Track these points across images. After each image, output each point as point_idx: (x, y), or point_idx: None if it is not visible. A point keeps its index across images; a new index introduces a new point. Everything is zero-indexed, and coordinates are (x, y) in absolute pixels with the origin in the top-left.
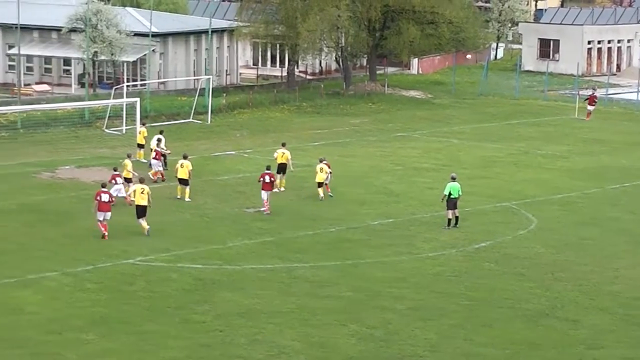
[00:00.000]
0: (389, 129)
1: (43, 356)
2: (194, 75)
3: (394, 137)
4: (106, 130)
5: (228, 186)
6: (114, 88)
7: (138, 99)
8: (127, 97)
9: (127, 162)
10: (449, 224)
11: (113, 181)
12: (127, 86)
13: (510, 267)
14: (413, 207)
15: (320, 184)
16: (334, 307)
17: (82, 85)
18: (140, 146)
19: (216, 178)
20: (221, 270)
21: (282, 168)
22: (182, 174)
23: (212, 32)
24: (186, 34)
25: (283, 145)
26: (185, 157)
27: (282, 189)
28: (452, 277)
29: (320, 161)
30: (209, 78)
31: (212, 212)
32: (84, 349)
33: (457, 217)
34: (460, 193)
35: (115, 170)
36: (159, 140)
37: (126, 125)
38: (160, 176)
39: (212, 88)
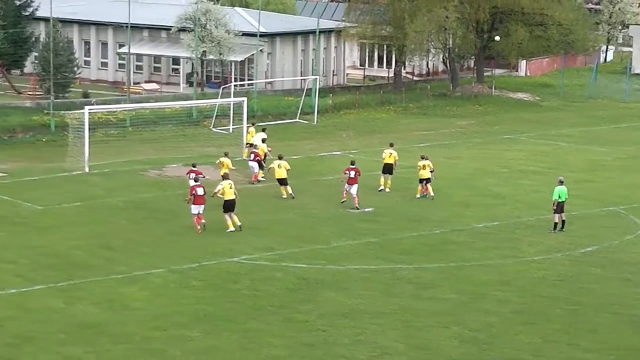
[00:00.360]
0: (495, 131)
1: (148, 352)
2: (301, 76)
3: (500, 139)
4: (213, 129)
5: (333, 186)
6: (222, 87)
7: (245, 99)
8: (234, 96)
9: (225, 160)
10: (555, 228)
11: (188, 176)
12: (235, 85)
13: (616, 272)
14: (518, 210)
15: (386, 168)
16: (436, 309)
17: (190, 84)
18: (250, 145)
19: (321, 178)
20: (325, 270)
21: (388, 169)
22: (280, 174)
23: (320, 32)
24: (294, 34)
25: (391, 145)
26: (280, 158)
27: (388, 189)
28: (557, 281)
29: (422, 158)
30: (316, 78)
31: (317, 212)
32: (188, 345)
33: (563, 221)
34: (567, 197)
35: (193, 166)
36: (263, 140)
37: (233, 125)
38: (255, 178)
39: (319, 88)
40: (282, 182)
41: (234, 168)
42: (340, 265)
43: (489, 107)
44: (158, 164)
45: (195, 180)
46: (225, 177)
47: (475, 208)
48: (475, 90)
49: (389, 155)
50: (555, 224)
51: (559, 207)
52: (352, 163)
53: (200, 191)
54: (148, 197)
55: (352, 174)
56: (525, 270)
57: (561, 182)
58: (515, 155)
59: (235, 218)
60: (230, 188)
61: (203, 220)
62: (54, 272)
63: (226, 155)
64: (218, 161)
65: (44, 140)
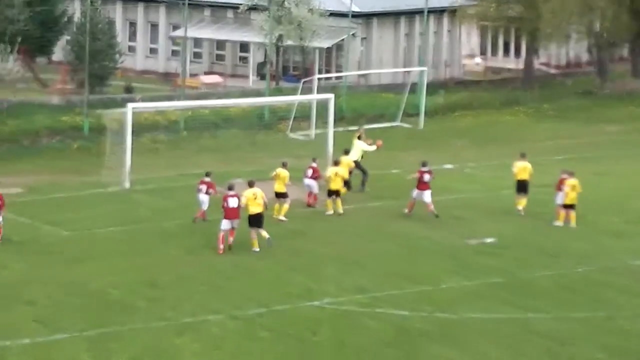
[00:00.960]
0: None
1: None
2: (404, 67)
3: None
4: (290, 135)
5: (443, 209)
6: (302, 81)
7: (332, 96)
8: (318, 92)
9: (282, 172)
10: None
11: (198, 189)
12: (319, 79)
13: None
14: None
15: (521, 185)
16: None
17: (262, 77)
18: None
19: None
20: (431, 319)
21: (522, 186)
22: (336, 184)
23: (429, 12)
24: (395, 15)
25: (522, 156)
26: (336, 164)
27: (521, 210)
28: None
29: (569, 175)
30: (423, 71)
31: (422, 242)
32: None
33: None
34: None
35: (207, 175)
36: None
37: (316, 129)
38: (314, 200)
39: (427, 83)
40: (333, 193)
41: (289, 184)
42: (452, 313)
43: None
44: (220, 179)
45: (230, 188)
46: (250, 184)
47: (630, 239)
48: (631, 87)
49: (523, 169)
50: None
51: None
52: (424, 164)
53: (233, 203)
54: (206, 221)
55: (427, 177)
56: None
57: None
58: None
59: (264, 233)
60: (256, 199)
61: (232, 239)
62: (82, 316)
63: (284, 165)
64: (274, 173)
65: (74, 146)
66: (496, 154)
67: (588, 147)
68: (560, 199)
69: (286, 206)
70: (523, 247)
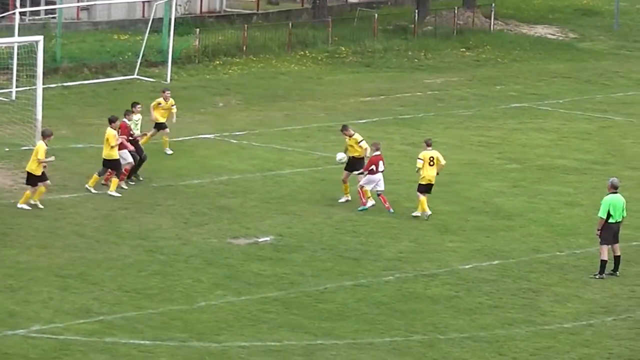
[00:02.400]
0: (496, 96)
1: None
2: None
3: (506, 109)
4: None
5: (204, 197)
6: None
7: (41, 38)
8: (20, 33)
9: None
10: (602, 270)
11: None
12: (22, 14)
13: None
14: (536, 239)
15: (425, 188)
16: None
17: None
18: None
19: (180, 182)
20: (185, 350)
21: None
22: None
23: None
24: None
25: (428, 145)
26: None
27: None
28: None
29: (427, 145)
30: (169, 0)
31: (169, 243)
32: None
33: (617, 257)
34: (625, 214)
35: None
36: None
37: (18, 86)
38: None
39: (176, 19)
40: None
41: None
42: (213, 342)
43: (485, 53)
44: None
45: None
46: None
47: (461, 235)
48: (460, 22)
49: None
50: (603, 262)
51: (610, 234)
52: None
53: None
54: None
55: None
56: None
57: (615, 188)
58: (532, 138)
59: None
60: None
61: None
62: None
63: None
64: None
65: None
66: (276, 119)
67: (403, 107)
68: (366, 181)
69: None
70: (312, 249)
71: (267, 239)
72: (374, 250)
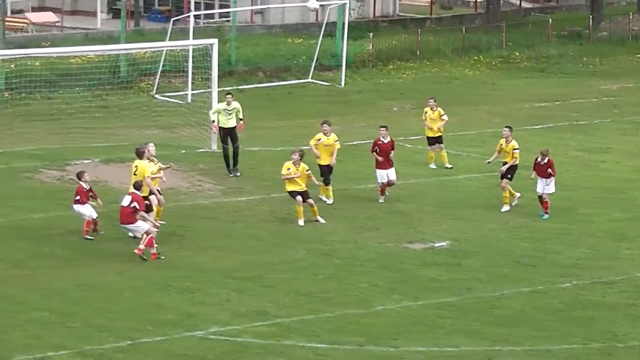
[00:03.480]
0: None
1: None
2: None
3: None
4: (157, 97)
5: (372, 201)
6: (172, 20)
7: (216, 41)
8: (196, 36)
9: (142, 165)
10: None
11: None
12: (196, 17)
13: None
14: None
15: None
16: None
17: (116, 14)
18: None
19: (356, 186)
20: (360, 354)
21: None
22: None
23: None
24: None
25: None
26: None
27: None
28: None
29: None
30: (344, 5)
31: (344, 247)
32: None
33: None
34: None
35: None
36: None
37: (194, 88)
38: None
39: (350, 23)
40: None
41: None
42: (389, 347)
43: None
44: (58, 160)
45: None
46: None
47: (638, 243)
48: (636, 28)
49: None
50: None
51: None
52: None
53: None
54: (42, 220)
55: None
56: None
57: None
58: None
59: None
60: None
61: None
62: None
63: (140, 155)
64: (136, 165)
65: None
66: (450, 123)
67: (577, 113)
68: (540, 187)
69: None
70: (488, 254)
71: (443, 244)
72: (550, 256)
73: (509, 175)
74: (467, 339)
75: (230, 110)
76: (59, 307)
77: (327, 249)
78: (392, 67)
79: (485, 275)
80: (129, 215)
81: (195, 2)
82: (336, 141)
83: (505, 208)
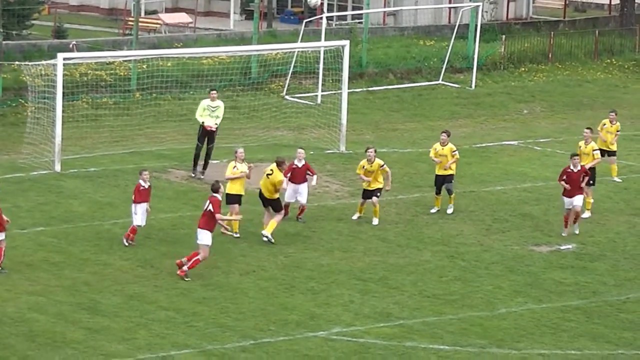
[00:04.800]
0: None
1: None
2: (449, 1)
3: None
4: (287, 98)
5: (506, 203)
6: (305, 22)
7: (347, 43)
8: (327, 38)
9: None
10: None
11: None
12: (328, 19)
13: None
14: None
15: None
16: None
17: (249, 15)
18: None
19: (483, 189)
20: (483, 357)
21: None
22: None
23: None
24: None
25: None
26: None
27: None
28: None
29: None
30: (477, 7)
31: (471, 249)
32: None
33: None
34: None
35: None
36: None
37: (324, 90)
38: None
39: (482, 25)
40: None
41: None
42: (513, 349)
43: None
44: (187, 160)
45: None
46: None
47: None
48: None
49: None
50: None
51: None
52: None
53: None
54: (169, 220)
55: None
56: None
57: None
58: None
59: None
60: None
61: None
62: None
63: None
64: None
65: None
66: (580, 127)
67: None
68: None
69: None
70: (615, 258)
71: (569, 247)
72: None
73: (591, 181)
74: (591, 342)
75: (214, 107)
76: (184, 306)
77: (452, 251)
78: (523, 69)
79: (611, 279)
80: (205, 218)
81: (329, 4)
82: (454, 152)
83: (586, 214)
